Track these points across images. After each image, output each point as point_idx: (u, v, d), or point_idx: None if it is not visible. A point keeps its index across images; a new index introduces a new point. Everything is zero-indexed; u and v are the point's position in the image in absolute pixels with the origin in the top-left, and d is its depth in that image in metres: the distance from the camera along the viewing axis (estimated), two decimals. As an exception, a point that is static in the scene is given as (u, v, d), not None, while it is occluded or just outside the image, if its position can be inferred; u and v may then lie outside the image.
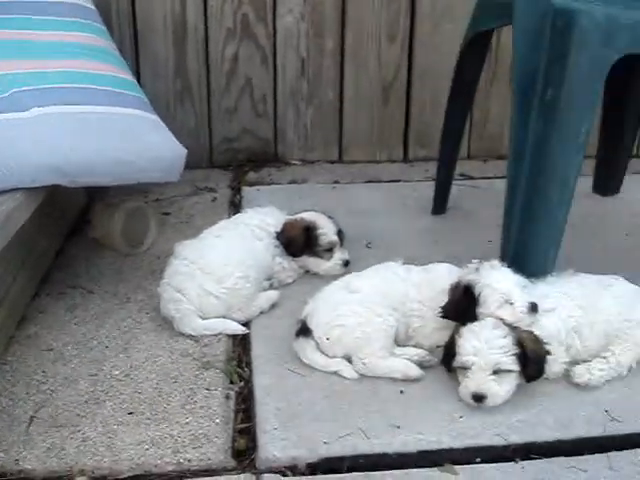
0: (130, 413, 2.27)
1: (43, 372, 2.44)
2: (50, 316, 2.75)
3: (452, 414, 2.21)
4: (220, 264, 2.66)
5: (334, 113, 4.18)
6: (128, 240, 3.16)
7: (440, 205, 3.53)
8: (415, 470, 2.03)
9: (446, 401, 2.26)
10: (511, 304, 2.29)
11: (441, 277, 2.47)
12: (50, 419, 2.23)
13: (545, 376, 2.30)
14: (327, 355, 2.40)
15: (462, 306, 2.32)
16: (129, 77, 3.11)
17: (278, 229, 2.91)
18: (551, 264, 2.53)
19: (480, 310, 2.30)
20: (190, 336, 2.60)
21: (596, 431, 2.17)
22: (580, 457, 2.09)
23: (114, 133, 2.76)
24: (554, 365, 2.32)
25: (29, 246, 2.84)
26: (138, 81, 3.58)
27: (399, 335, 2.44)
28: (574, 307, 2.40)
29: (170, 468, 2.08)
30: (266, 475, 2.02)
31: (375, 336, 2.34)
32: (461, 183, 3.90)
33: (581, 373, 2.33)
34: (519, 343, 2.20)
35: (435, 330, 2.44)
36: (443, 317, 2.37)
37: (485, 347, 2.18)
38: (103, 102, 2.82)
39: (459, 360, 2.24)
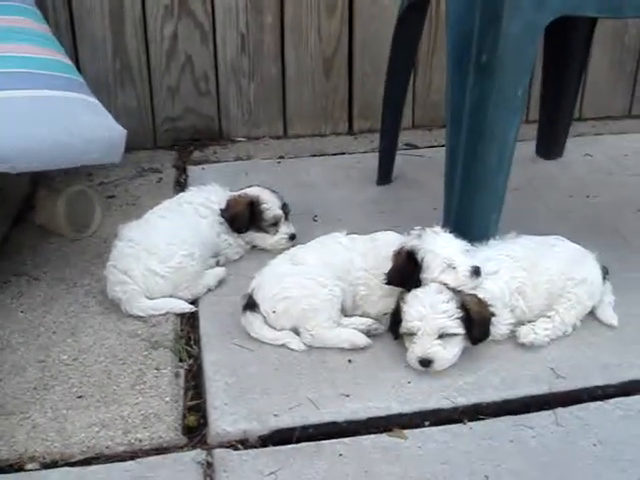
0: (80, 397, 2.26)
1: (-10, 361, 2.40)
2: (-5, 305, 2.70)
3: (400, 380, 2.23)
4: (164, 244, 2.65)
5: (277, 88, 4.16)
6: (73, 225, 3.12)
7: (385, 175, 3.54)
8: (365, 437, 2.05)
9: (394, 368, 2.28)
10: (454, 268, 2.31)
11: (386, 245, 2.48)
12: (-2, 408, 2.20)
13: (491, 338, 2.33)
14: (274, 328, 2.40)
15: (406, 272, 2.34)
16: (65, 60, 3.05)
17: (222, 206, 2.89)
18: (494, 228, 2.56)
19: (424, 275, 2.32)
20: (138, 317, 2.59)
21: (542, 389, 2.21)
22: (527, 415, 2.14)
23: (51, 117, 2.71)
24: (499, 327, 2.35)
25: (-30, 235, 2.79)
26: (77, 63, 3.54)
27: (346, 305, 2.45)
28: (517, 269, 2.43)
29: (121, 449, 2.07)
30: (217, 450, 2.02)
31: (321, 307, 2.35)
32: (406, 153, 3.92)
33: (526, 333, 2.37)
34: (463, 306, 2.22)
35: (381, 298, 2.45)
36: (387, 284, 2.39)
37: (430, 312, 2.20)
38: (38, 86, 2.76)
39: (405, 326, 2.25)
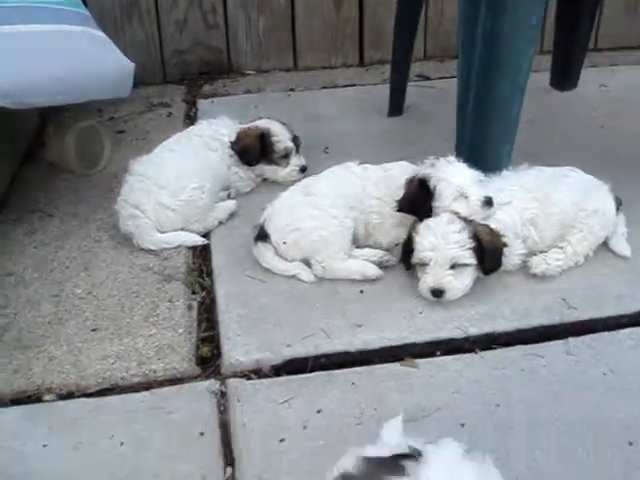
0: (94, 330, 2.28)
1: (5, 296, 2.43)
2: (9, 241, 2.72)
3: (412, 310, 2.24)
4: (174, 177, 2.64)
5: (286, 20, 4.09)
6: (83, 160, 3.12)
7: (396, 107, 3.50)
8: (377, 366, 2.07)
9: (406, 298, 2.29)
10: (466, 197, 2.30)
11: (398, 174, 2.47)
12: (14, 342, 2.23)
13: (503, 268, 2.33)
14: (285, 259, 2.40)
15: (418, 199, 2.33)
16: (72, -7, 3.00)
17: (232, 139, 2.87)
18: (506, 159, 2.54)
19: (436, 204, 2.31)
20: (150, 251, 2.59)
21: (553, 319, 2.22)
22: (538, 344, 2.14)
23: (56, 51, 2.68)
24: (511, 257, 2.34)
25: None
26: (83, -2, 3.47)
27: (358, 234, 2.45)
28: (530, 199, 2.41)
29: (136, 380, 2.10)
30: (231, 380, 2.05)
31: (332, 239, 2.34)
32: (418, 84, 3.86)
33: (538, 263, 2.36)
34: (475, 237, 2.21)
35: (393, 227, 2.45)
36: (398, 211, 2.38)
37: (442, 242, 2.20)
38: (44, 20, 2.72)
39: (417, 256, 2.25)
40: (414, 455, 1.30)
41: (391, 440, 1.46)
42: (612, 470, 1.80)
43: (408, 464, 1.28)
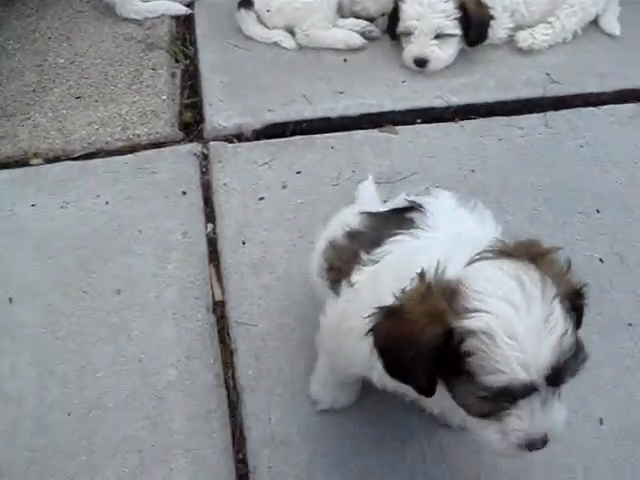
0: (78, 97, 2.28)
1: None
2: (-14, 12, 2.64)
3: (395, 79, 2.23)
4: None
5: None
6: None
7: None
8: (356, 132, 2.09)
9: (389, 68, 2.28)
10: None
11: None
12: (0, 110, 2.23)
13: (489, 42, 2.30)
14: (268, 27, 2.36)
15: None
16: None
17: None
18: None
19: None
20: (133, 20, 2.54)
21: (536, 92, 2.22)
22: (518, 116, 2.16)
23: None
24: (498, 30, 2.31)
25: None
26: None
27: (344, 3, 2.38)
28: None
29: (120, 144, 2.13)
30: (213, 143, 2.07)
31: (316, 6, 2.29)
32: None
33: (525, 38, 2.34)
34: (462, 7, 2.17)
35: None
36: None
37: (427, 11, 2.16)
38: None
39: (402, 25, 2.22)
40: (416, 207, 1.30)
41: (366, 199, 1.50)
42: (579, 235, 1.87)
43: (415, 216, 1.28)
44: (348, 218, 1.39)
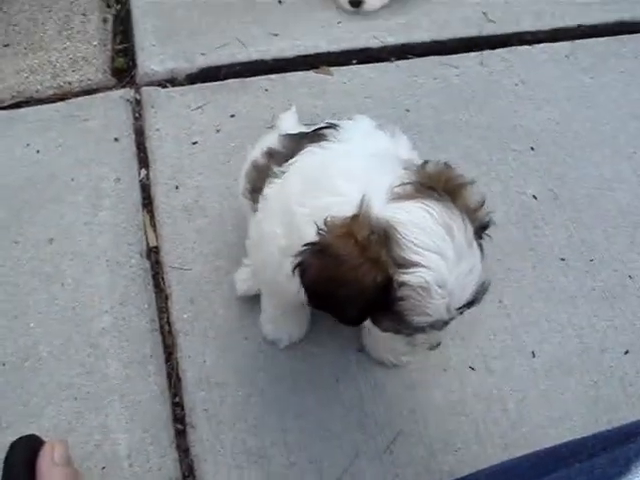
0: (6, 45, 2.21)
1: None
2: None
3: (330, 20, 2.20)
4: None
5: None
6: None
7: None
8: (291, 74, 2.07)
9: (324, 9, 2.24)
10: None
11: None
12: None
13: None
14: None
15: None
16: None
17: None
18: None
19: None
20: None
21: (472, 32, 2.22)
22: (454, 55, 2.16)
23: None
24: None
25: None
26: None
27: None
28: None
29: (51, 92, 2.08)
30: (145, 88, 2.04)
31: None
32: None
33: None
34: None
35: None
36: None
37: None
38: None
39: None
40: (332, 127, 1.33)
41: (287, 128, 1.50)
42: (513, 173, 1.89)
43: (328, 132, 1.31)
44: (270, 140, 1.43)
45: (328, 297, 1.12)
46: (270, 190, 1.29)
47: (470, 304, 1.12)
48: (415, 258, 1.05)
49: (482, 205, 1.14)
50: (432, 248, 1.05)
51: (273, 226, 1.22)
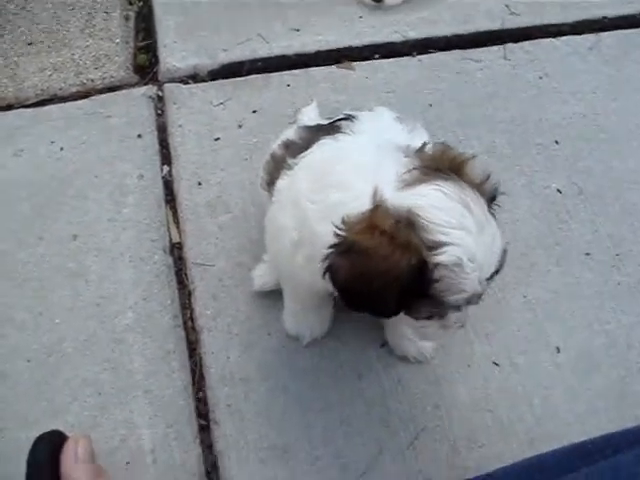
0: (30, 44, 2.23)
1: None
2: None
3: (352, 15, 2.19)
4: None
5: None
6: None
7: None
8: (313, 69, 2.06)
9: (346, 4, 2.22)
10: None
11: None
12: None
13: None
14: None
15: None
16: None
17: None
18: None
19: None
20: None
21: (494, 25, 2.20)
22: (476, 49, 2.14)
23: None
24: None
25: None
26: None
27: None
28: None
29: (74, 89, 2.09)
30: (168, 85, 2.04)
31: None
32: None
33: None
34: None
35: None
36: None
37: None
38: None
39: None
40: (349, 118, 1.34)
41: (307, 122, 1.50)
42: (538, 167, 1.87)
43: (343, 123, 1.32)
44: (289, 133, 1.44)
45: (363, 294, 1.12)
46: (282, 182, 1.30)
47: (496, 272, 1.12)
48: (443, 238, 1.05)
49: (488, 177, 1.15)
50: (456, 225, 1.06)
51: (285, 218, 1.23)
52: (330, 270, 1.12)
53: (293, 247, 1.22)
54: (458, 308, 1.15)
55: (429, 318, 1.18)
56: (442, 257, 1.06)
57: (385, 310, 1.15)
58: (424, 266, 1.06)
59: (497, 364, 1.56)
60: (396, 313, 1.16)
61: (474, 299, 1.14)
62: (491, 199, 1.16)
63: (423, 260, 1.06)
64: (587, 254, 1.72)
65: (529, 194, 1.80)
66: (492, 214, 1.14)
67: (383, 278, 1.07)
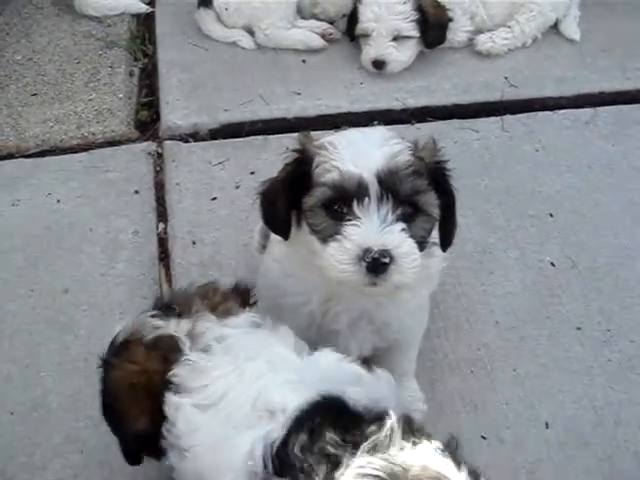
0: (34, 95, 2.26)
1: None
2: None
3: (352, 81, 2.23)
4: None
5: None
6: None
7: None
8: (313, 133, 2.06)
9: (348, 70, 2.27)
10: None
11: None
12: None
13: (448, 45, 2.31)
14: (227, 26, 2.35)
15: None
16: None
17: None
18: None
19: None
20: (93, 17, 2.52)
21: (493, 96, 2.23)
22: (475, 119, 2.16)
23: None
24: (457, 33, 2.31)
25: None
26: None
27: (304, 3, 2.38)
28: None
29: (75, 142, 2.11)
30: (168, 142, 2.06)
31: (275, 6, 2.28)
32: None
33: (484, 41, 2.34)
34: (420, 9, 2.18)
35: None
36: None
37: (385, 13, 2.16)
38: None
39: (360, 27, 2.22)
40: None
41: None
42: (531, 239, 1.88)
43: None
44: None
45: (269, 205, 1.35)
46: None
47: (392, 179, 1.16)
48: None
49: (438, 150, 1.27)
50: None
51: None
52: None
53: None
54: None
55: (331, 237, 1.17)
56: (320, 141, 1.27)
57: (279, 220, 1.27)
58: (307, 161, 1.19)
59: (484, 437, 1.54)
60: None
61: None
62: (435, 163, 1.27)
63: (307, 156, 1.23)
64: (578, 328, 1.72)
65: (522, 267, 1.80)
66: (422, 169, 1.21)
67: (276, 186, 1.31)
